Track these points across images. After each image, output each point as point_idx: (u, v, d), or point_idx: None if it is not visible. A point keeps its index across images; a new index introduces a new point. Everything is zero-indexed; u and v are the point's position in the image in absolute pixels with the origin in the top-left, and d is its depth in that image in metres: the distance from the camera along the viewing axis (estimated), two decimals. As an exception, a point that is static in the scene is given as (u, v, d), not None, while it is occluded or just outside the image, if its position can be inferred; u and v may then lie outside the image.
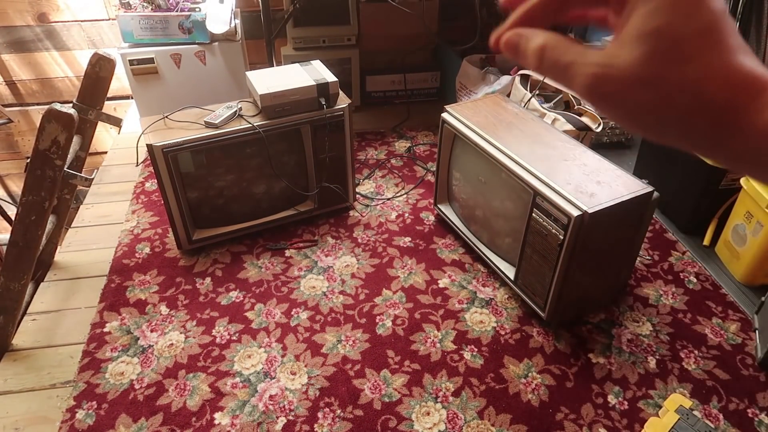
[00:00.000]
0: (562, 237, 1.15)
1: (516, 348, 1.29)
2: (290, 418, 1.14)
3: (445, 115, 1.48)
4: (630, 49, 0.23)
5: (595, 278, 1.31)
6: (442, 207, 1.65)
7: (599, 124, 1.64)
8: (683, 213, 1.66)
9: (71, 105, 1.42)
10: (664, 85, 0.22)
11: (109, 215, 1.78)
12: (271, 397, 1.18)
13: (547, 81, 1.76)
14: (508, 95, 1.86)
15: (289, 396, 1.18)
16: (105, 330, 1.35)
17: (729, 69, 0.22)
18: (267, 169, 1.56)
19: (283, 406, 1.16)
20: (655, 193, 1.20)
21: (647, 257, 1.57)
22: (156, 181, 1.61)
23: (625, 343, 1.30)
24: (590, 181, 1.18)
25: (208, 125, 1.44)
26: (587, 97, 0.25)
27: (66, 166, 1.33)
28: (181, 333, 1.34)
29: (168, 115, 1.48)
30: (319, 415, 1.15)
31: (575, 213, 1.11)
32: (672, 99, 0.22)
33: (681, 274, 1.51)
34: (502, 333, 1.33)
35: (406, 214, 1.74)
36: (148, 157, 1.41)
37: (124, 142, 2.22)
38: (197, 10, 1.99)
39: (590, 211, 1.10)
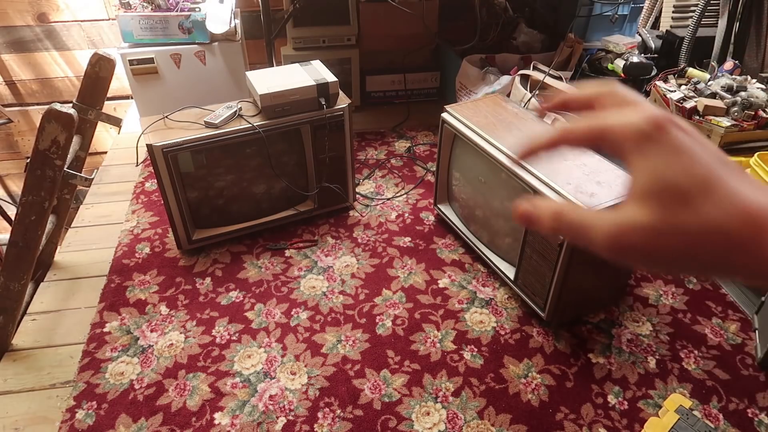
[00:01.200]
0: (562, 237, 1.15)
1: (516, 348, 1.29)
2: (290, 418, 1.14)
3: (445, 115, 1.48)
4: (642, 205, 0.25)
5: (595, 278, 1.31)
6: (442, 207, 1.65)
7: (599, 124, 1.64)
8: (683, 213, 1.66)
9: (71, 105, 1.42)
10: (682, 232, 0.24)
11: (109, 215, 1.78)
12: (271, 397, 1.18)
13: (547, 81, 1.76)
14: (508, 95, 1.86)
15: (289, 396, 1.18)
16: (105, 330, 1.35)
17: (741, 206, 0.23)
18: (267, 169, 1.56)
19: (283, 406, 1.16)
20: (655, 193, 1.19)
21: (647, 257, 1.57)
22: (156, 181, 1.61)
23: (625, 343, 1.30)
24: (590, 181, 1.18)
25: (208, 125, 1.44)
26: (608, 253, 0.27)
27: (66, 166, 1.33)
28: (181, 333, 1.34)
29: (168, 115, 1.48)
30: (319, 415, 1.15)
31: (575, 213, 1.11)
32: (693, 242, 0.24)
33: (681, 274, 1.51)
34: (502, 333, 1.33)
35: (406, 214, 1.74)
36: (148, 157, 1.41)
37: (124, 142, 2.22)
38: (197, 10, 1.99)
39: (590, 211, 1.10)
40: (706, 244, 0.24)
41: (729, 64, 1.74)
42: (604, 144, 0.28)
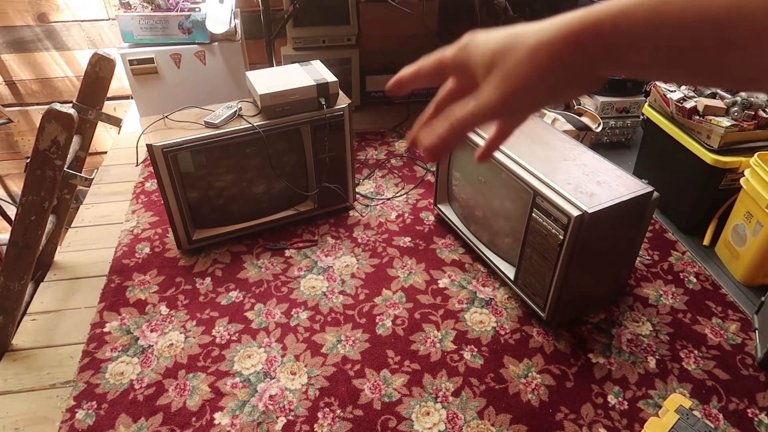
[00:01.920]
0: (562, 237, 1.15)
1: (516, 348, 1.29)
2: (290, 418, 1.14)
3: (445, 115, 1.48)
4: (488, 74, 0.35)
5: (595, 278, 1.31)
6: (442, 207, 1.65)
7: (599, 124, 1.64)
8: (683, 213, 1.66)
9: (71, 105, 1.42)
10: (520, 62, 0.33)
11: (109, 215, 1.78)
12: (271, 397, 1.18)
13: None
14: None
15: (289, 396, 1.18)
16: (105, 330, 1.35)
17: (546, 27, 0.32)
18: (267, 169, 1.56)
19: (283, 406, 1.16)
20: (655, 193, 1.20)
21: (647, 257, 1.57)
22: (156, 181, 1.61)
23: (625, 343, 1.30)
24: (590, 181, 1.18)
25: (208, 125, 1.44)
26: (492, 113, 0.35)
27: (66, 166, 1.33)
28: (181, 333, 1.34)
29: (168, 115, 1.48)
30: (319, 415, 1.15)
31: (575, 213, 1.11)
32: (529, 63, 0.33)
33: (681, 274, 1.51)
34: (502, 333, 1.33)
35: (406, 214, 1.74)
36: (148, 157, 1.41)
37: (124, 142, 2.22)
38: (197, 10, 1.99)
39: (590, 211, 1.10)
40: (536, 60, 0.32)
41: (729, 64, 1.74)
42: (447, 69, 0.39)
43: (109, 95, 1.70)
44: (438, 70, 0.40)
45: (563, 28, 0.31)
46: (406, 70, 0.42)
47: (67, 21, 2.37)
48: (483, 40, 0.36)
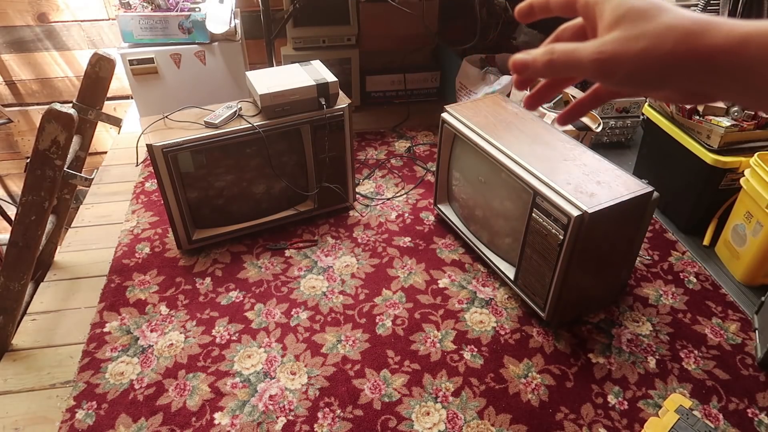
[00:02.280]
0: (562, 237, 1.15)
1: (516, 348, 1.29)
2: (290, 418, 1.14)
3: (445, 115, 1.48)
4: (614, 29, 0.33)
5: (595, 278, 1.31)
6: (442, 207, 1.65)
7: (599, 124, 1.64)
8: (683, 213, 1.66)
9: (71, 105, 1.42)
10: (647, 35, 0.31)
11: (109, 215, 1.78)
12: (271, 397, 1.18)
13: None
14: (508, 95, 1.86)
15: (289, 396, 1.18)
16: (105, 330, 1.35)
17: (688, 15, 0.31)
18: (267, 169, 1.56)
19: (283, 406, 1.16)
20: (655, 193, 1.20)
21: (647, 257, 1.57)
22: (156, 181, 1.61)
23: (625, 343, 1.30)
24: (590, 181, 1.18)
25: (208, 125, 1.44)
26: (595, 70, 0.33)
27: (66, 166, 1.33)
28: (181, 333, 1.34)
29: (168, 115, 1.48)
30: (319, 415, 1.15)
31: (575, 213, 1.11)
32: (655, 42, 0.31)
33: (681, 274, 1.51)
34: (502, 333, 1.33)
35: (406, 214, 1.74)
36: (148, 157, 1.41)
37: (124, 142, 2.22)
38: (197, 10, 1.99)
39: (590, 211, 1.10)
40: (665, 42, 0.30)
41: (729, 64, 1.74)
42: (577, 6, 0.36)
43: (109, 95, 1.70)
44: (569, 4, 0.37)
45: (701, 32, 0.29)
46: None
47: (67, 21, 2.37)
48: None
